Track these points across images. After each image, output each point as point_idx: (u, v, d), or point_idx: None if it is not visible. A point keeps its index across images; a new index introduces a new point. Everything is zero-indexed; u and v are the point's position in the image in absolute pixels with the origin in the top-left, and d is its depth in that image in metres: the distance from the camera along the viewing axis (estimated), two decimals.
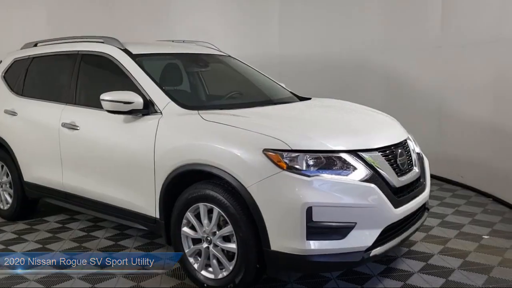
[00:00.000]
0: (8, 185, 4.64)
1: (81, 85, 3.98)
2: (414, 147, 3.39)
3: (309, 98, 4.05)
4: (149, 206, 3.32)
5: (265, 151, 2.72)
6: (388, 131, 3.28)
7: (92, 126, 3.70)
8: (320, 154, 2.73)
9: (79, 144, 3.76)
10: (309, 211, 2.61)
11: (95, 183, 3.68)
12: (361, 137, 3.01)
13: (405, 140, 3.29)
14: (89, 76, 4.05)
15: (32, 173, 4.28)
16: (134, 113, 3.33)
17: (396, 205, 2.86)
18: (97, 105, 3.68)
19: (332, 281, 3.17)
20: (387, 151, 3.00)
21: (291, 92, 4.24)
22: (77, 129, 3.76)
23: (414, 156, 3.29)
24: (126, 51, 3.74)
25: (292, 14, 6.24)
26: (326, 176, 2.69)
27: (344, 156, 2.77)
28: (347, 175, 2.73)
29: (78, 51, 4.07)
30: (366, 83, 6.02)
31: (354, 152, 2.81)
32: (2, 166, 4.65)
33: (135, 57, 3.68)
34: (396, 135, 3.24)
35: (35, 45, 4.70)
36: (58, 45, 4.39)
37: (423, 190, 3.26)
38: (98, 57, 3.90)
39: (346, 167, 2.75)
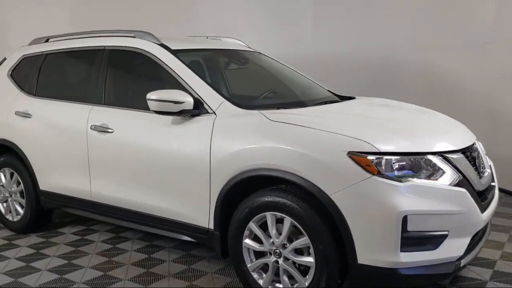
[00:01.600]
0: (18, 195, 4.22)
1: (112, 84, 3.62)
2: (482, 147, 3.21)
3: (353, 97, 3.82)
4: (201, 215, 3.02)
5: (351, 154, 2.47)
6: (461, 132, 3.08)
7: (128, 129, 3.36)
8: (410, 157, 2.50)
9: (113, 149, 3.40)
10: (404, 220, 2.38)
11: (132, 191, 3.34)
12: (443, 138, 2.79)
13: (475, 141, 3.11)
14: (120, 74, 3.70)
15: (50, 181, 3.89)
16: (184, 113, 3.02)
17: (482, 210, 2.66)
18: (133, 105, 3.40)
19: None
20: (467, 153, 2.80)
21: (329, 90, 4.00)
22: (110, 132, 3.41)
23: (485, 158, 3.11)
24: (164, 46, 3.42)
25: (327, 9, 5.79)
26: (417, 181, 2.46)
27: (433, 158, 2.55)
28: (436, 179, 2.51)
29: (105, 46, 3.70)
30: (404, 83, 5.59)
31: (440, 154, 2.60)
32: (12, 174, 4.23)
33: (175, 53, 3.36)
34: (468, 136, 3.06)
35: (47, 40, 4.30)
36: (77, 40, 4.00)
37: (495, 193, 3.08)
38: (130, 53, 3.55)
39: (435, 170, 2.53)
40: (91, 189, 3.61)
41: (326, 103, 3.46)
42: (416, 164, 2.50)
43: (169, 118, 3.12)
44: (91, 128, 3.52)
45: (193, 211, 3.06)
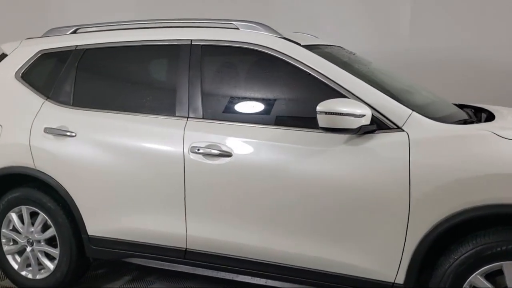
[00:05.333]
0: (44, 242, 3.05)
1: (214, 91, 2.70)
2: None
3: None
4: (385, 267, 2.28)
5: None
6: None
7: (258, 151, 2.46)
8: None
9: (234, 180, 2.49)
10: None
11: (265, 236, 2.47)
12: None
13: None
14: (227, 77, 2.77)
15: (109, 224, 2.82)
16: (360, 130, 2.25)
17: None
18: (254, 119, 2.55)
19: None
20: None
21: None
22: (227, 156, 2.49)
23: None
24: (291, 40, 2.60)
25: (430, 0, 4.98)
26: None
27: None
28: None
29: (192, 40, 2.75)
30: None
31: None
32: (34, 215, 3.04)
33: (310, 50, 2.57)
34: None
35: (75, 31, 3.18)
36: (136, 32, 2.96)
37: None
38: (236, 49, 2.66)
39: None
40: (187, 233, 2.64)
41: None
42: None
43: (325, 137, 2.33)
44: (191, 151, 2.57)
45: (372, 262, 2.30)
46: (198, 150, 2.55)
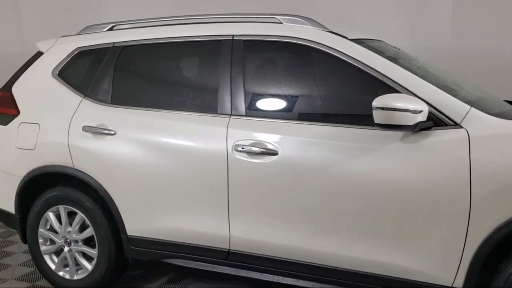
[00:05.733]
0: (82, 242, 3.01)
1: (258, 88, 2.62)
2: None
3: None
4: (442, 271, 2.17)
5: None
6: None
7: (306, 149, 2.37)
8: None
9: (282, 179, 2.41)
10: None
11: (318, 237, 2.37)
12: None
13: None
14: (270, 73, 2.69)
15: (148, 224, 2.76)
16: (417, 127, 2.14)
17: None
18: (304, 117, 2.47)
19: None
20: None
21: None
22: (274, 155, 2.41)
23: None
24: (339, 35, 2.51)
25: None
26: None
27: None
28: None
29: (234, 35, 2.67)
30: None
31: None
32: (72, 215, 3.00)
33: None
34: None
35: (111, 28, 3.14)
36: (174, 28, 2.90)
37: None
38: (279, 44, 2.58)
39: None
40: (230, 234, 2.57)
41: None
42: None
43: (378, 134, 2.24)
44: (235, 149, 2.49)
45: (428, 265, 2.19)
46: (243, 148, 2.47)
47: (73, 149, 2.88)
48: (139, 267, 3.46)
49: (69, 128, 2.91)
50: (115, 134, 2.79)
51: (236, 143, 2.49)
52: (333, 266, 2.36)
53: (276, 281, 2.57)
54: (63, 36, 3.32)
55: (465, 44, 4.56)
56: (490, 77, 4.37)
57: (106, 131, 2.81)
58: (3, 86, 3.33)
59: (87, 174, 2.87)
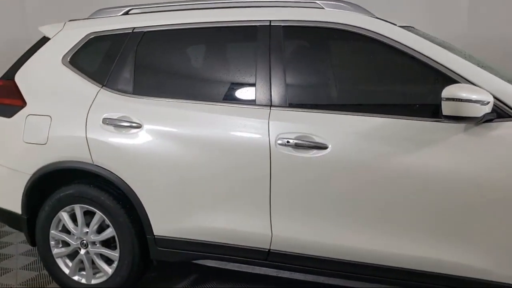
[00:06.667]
0: (100, 244, 2.79)
1: (300, 77, 2.47)
2: None
3: None
4: (508, 267, 2.09)
5: None
6: None
7: (360, 142, 2.23)
8: None
9: (333, 174, 2.26)
10: None
11: (372, 236, 2.25)
12: None
13: None
14: (313, 62, 2.52)
15: (180, 223, 2.56)
16: (483, 118, 2.04)
17: None
18: (354, 108, 2.33)
19: None
20: None
21: None
22: (323, 149, 2.27)
23: None
24: (390, 22, 2.38)
25: None
26: None
27: None
28: None
29: (271, 21, 2.50)
30: None
31: None
32: (87, 214, 2.77)
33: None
34: None
35: (126, 12, 2.90)
36: (204, 12, 2.70)
37: None
38: (322, 30, 2.42)
39: None
40: (272, 233, 2.42)
41: None
42: None
43: (438, 126, 2.14)
44: (279, 143, 2.33)
45: (493, 262, 2.11)
46: (288, 142, 2.31)
47: (92, 143, 2.64)
48: (158, 268, 3.25)
49: (86, 121, 2.67)
50: (141, 127, 2.57)
51: (280, 136, 2.33)
52: (392, 266, 2.24)
53: (321, 281, 2.44)
54: (71, 20, 3.06)
55: (481, 33, 4.52)
56: (506, 67, 4.35)
57: (130, 124, 2.59)
58: (4, 75, 3.05)
59: (108, 171, 2.64)
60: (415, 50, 2.24)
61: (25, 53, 3.04)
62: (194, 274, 3.17)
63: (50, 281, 3.08)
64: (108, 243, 2.78)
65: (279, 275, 2.49)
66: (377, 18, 2.39)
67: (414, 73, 2.30)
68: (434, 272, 2.19)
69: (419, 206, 2.16)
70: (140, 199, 2.61)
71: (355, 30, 2.35)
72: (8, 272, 3.28)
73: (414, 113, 2.20)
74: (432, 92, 2.19)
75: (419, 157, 2.14)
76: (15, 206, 2.91)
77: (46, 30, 3.03)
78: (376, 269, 2.28)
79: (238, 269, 2.58)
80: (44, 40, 3.00)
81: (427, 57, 2.21)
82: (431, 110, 2.14)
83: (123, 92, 2.68)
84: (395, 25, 2.36)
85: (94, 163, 2.66)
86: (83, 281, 2.85)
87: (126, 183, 2.61)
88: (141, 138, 2.57)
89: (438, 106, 2.06)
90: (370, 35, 2.32)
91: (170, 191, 2.55)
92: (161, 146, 2.54)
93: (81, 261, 2.83)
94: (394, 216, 2.21)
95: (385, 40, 2.30)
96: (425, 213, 2.16)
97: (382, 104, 2.34)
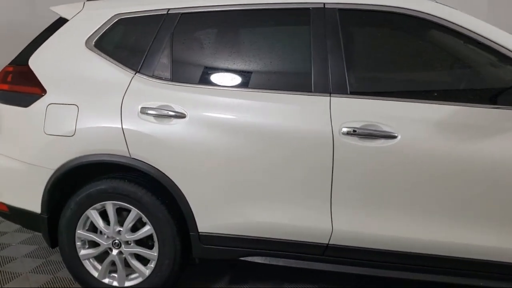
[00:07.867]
0: (134, 243, 2.58)
1: (361, 63, 2.37)
2: None
3: None
4: None
5: None
6: None
7: (436, 132, 2.16)
8: None
9: (404, 164, 2.17)
10: None
11: (443, 228, 2.19)
12: None
13: None
14: (375, 47, 2.41)
15: (229, 218, 2.41)
16: None
17: None
18: (424, 95, 2.26)
19: None
20: None
21: None
22: (393, 138, 2.18)
23: None
24: (451, 7, 2.31)
25: None
26: None
27: None
28: None
29: (325, 3, 2.37)
30: None
31: None
32: (120, 211, 2.55)
33: None
34: None
35: None
36: None
37: None
38: (385, 14, 2.31)
39: None
40: (332, 227, 2.31)
41: None
42: None
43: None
44: (343, 132, 2.22)
45: None
46: (354, 131, 2.20)
47: (129, 134, 2.42)
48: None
49: (121, 110, 2.45)
50: (185, 117, 2.38)
51: (343, 125, 2.22)
52: (463, 257, 2.20)
53: (379, 275, 2.36)
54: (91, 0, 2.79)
55: (501, 24, 4.57)
56: None
57: (174, 114, 2.39)
58: (15, 59, 2.75)
59: (149, 165, 2.43)
60: (482, 36, 2.19)
61: (38, 35, 2.76)
62: (229, 273, 3.02)
63: (69, 285, 2.84)
64: (142, 242, 2.59)
65: (336, 270, 2.39)
66: (438, 2, 2.32)
67: (482, 59, 2.25)
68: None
69: (497, 198, 2.12)
70: (184, 194, 2.42)
71: (416, 15, 2.27)
72: (17, 276, 2.99)
73: (490, 100, 2.15)
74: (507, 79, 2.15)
75: (499, 148, 2.09)
76: (33, 204, 2.64)
77: (62, 11, 2.75)
78: (453, 261, 2.22)
79: (291, 265, 2.45)
80: (61, 21, 2.72)
81: (497, 43, 2.17)
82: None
83: (161, 79, 2.48)
84: (456, 10, 2.30)
85: (132, 157, 2.44)
86: (115, 283, 2.64)
87: (168, 177, 2.42)
88: (185, 129, 2.38)
89: None
90: (436, 20, 2.24)
91: (218, 185, 2.38)
92: (208, 137, 2.36)
93: (113, 263, 2.62)
94: (471, 207, 2.16)
95: (449, 25, 2.23)
96: (497, 204, 2.13)
97: (455, 90, 2.27)
